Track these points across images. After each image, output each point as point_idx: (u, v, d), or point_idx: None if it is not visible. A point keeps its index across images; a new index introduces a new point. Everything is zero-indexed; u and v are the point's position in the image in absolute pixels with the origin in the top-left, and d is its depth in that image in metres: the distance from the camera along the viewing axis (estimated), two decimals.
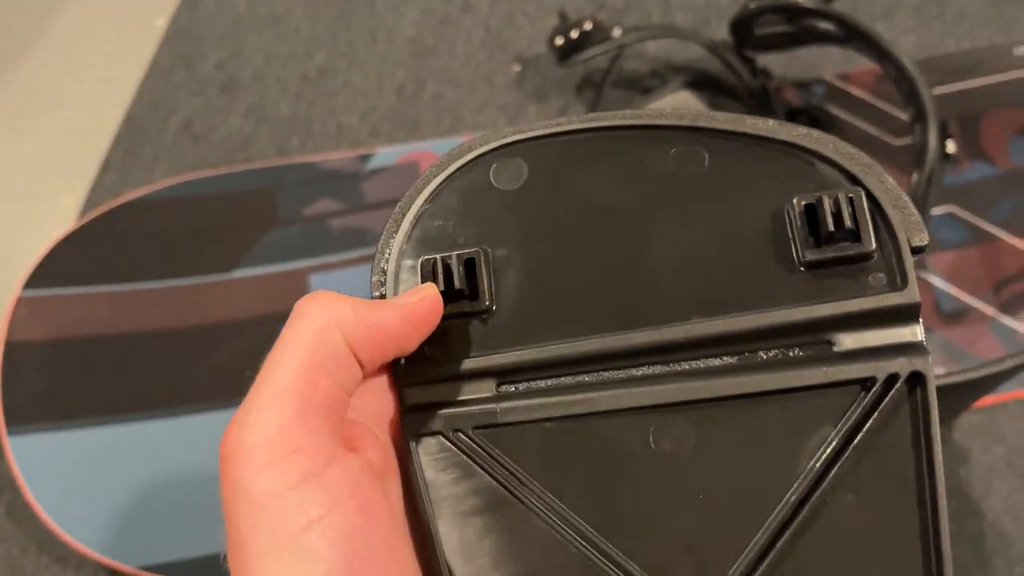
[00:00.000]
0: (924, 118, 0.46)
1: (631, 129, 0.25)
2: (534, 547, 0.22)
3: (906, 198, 0.24)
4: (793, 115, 0.60)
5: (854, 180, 0.24)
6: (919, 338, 0.23)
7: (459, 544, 0.22)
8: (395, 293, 0.25)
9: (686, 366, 0.23)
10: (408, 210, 0.25)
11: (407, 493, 0.24)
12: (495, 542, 0.22)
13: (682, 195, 0.24)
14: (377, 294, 0.25)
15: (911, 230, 0.24)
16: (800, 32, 0.52)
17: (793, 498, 0.22)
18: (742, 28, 0.55)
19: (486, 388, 0.24)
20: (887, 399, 0.22)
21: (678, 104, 0.58)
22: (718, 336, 0.23)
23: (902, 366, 0.22)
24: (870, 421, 0.22)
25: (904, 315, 0.23)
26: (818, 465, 0.22)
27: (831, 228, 0.23)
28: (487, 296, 0.24)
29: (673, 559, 0.21)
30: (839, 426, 0.22)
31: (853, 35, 0.49)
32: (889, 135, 0.59)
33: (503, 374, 0.24)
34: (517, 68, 0.63)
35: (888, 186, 0.23)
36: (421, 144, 0.61)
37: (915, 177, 0.47)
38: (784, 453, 0.22)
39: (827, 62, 0.61)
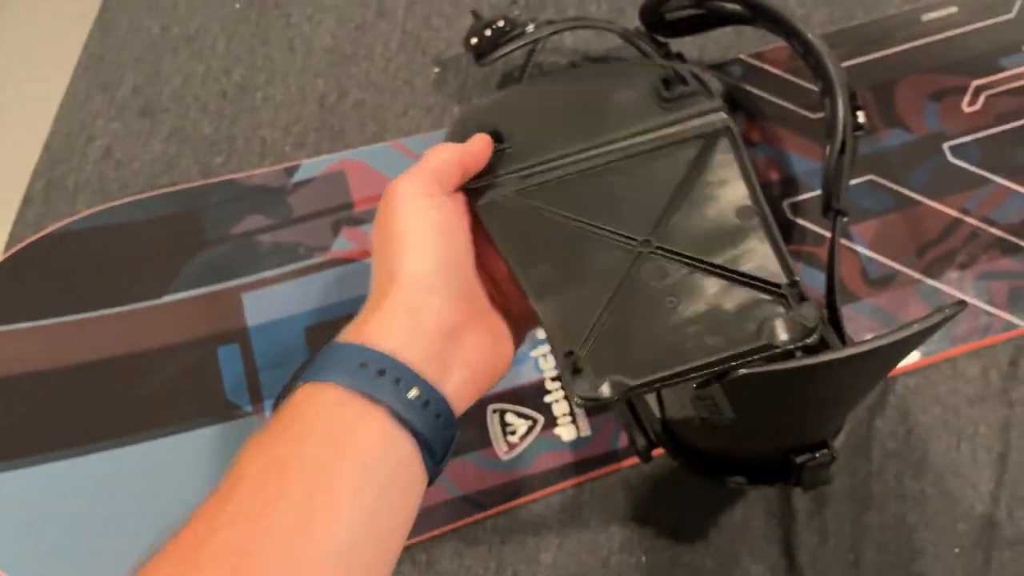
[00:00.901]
0: (832, 91, 0.47)
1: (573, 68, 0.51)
2: (551, 229, 0.41)
3: (702, 74, 0.45)
4: None
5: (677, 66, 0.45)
6: (725, 117, 0.43)
7: (512, 239, 0.41)
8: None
9: (618, 146, 0.43)
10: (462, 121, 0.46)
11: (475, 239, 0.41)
12: (530, 233, 0.41)
13: (606, 89, 0.45)
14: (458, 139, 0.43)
15: (711, 83, 0.45)
16: (708, 15, 0.53)
17: (681, 180, 0.41)
18: (651, 14, 0.56)
19: (514, 179, 0.43)
20: (716, 137, 0.42)
21: None
22: (629, 132, 0.43)
23: (720, 124, 0.43)
24: (711, 146, 0.42)
25: (716, 110, 0.43)
26: (690, 166, 0.42)
27: (676, 83, 0.44)
28: (508, 143, 0.44)
29: (626, 220, 0.41)
30: (697, 151, 0.42)
31: (758, 14, 0.50)
32: (806, 109, 0.60)
33: (522, 171, 0.43)
34: (437, 70, 0.63)
35: (695, 69, 0.45)
36: (346, 153, 0.60)
37: (827, 150, 0.47)
38: (673, 168, 0.42)
39: (742, 42, 0.62)
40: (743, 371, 0.32)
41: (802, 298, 0.36)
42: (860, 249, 0.56)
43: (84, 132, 0.63)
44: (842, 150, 0.47)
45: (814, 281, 0.55)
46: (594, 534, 0.52)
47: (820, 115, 0.59)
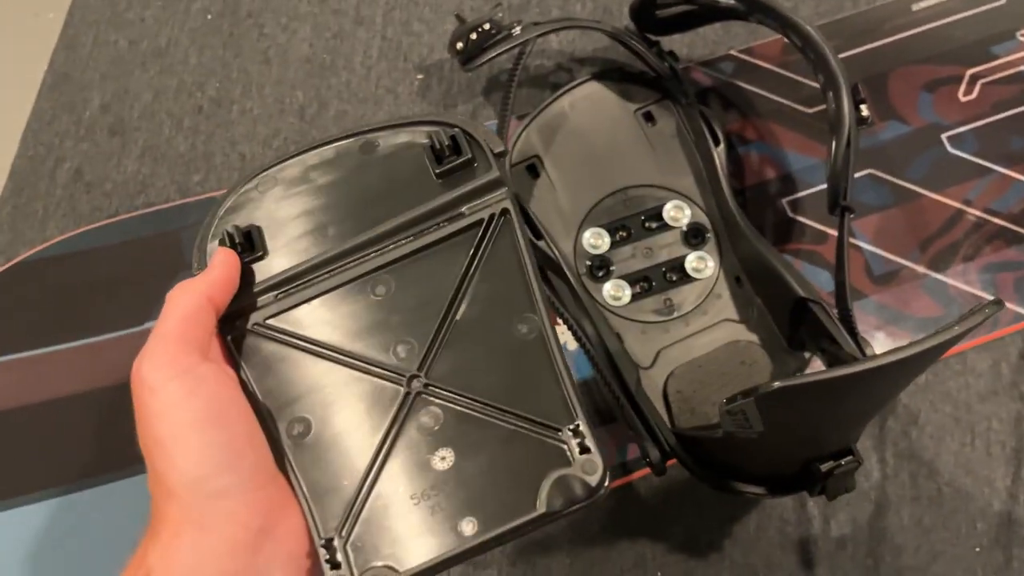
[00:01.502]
0: (835, 85, 0.46)
1: (329, 141, 0.42)
2: (310, 370, 0.37)
3: (484, 127, 0.41)
4: (704, 94, 0.59)
5: (454, 126, 0.41)
6: (506, 195, 0.39)
7: (266, 386, 0.37)
8: (206, 265, 0.39)
9: (383, 248, 0.39)
10: (213, 220, 0.41)
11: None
12: (287, 376, 0.37)
13: (369, 165, 0.41)
14: (194, 269, 0.39)
15: (492, 143, 0.40)
16: (701, 11, 0.52)
17: (452, 292, 0.37)
18: (643, 12, 0.54)
19: (270, 298, 0.39)
20: (493, 227, 0.39)
21: (591, 94, 0.57)
22: (396, 227, 0.39)
23: (496, 208, 0.39)
24: (487, 240, 0.38)
25: (495, 185, 0.39)
26: (463, 271, 0.38)
27: (447, 153, 0.40)
28: (262, 249, 0.40)
29: (393, 347, 0.37)
30: (472, 248, 0.38)
31: (753, 8, 0.48)
32: (801, 104, 0.58)
33: (278, 287, 0.39)
34: (420, 76, 0.61)
35: (478, 124, 0.41)
36: None
37: (833, 145, 0.46)
38: (445, 273, 0.38)
39: (730, 38, 0.61)
40: (776, 385, 0.30)
41: (585, 448, 0.33)
42: (863, 245, 0.55)
43: (52, 154, 0.60)
44: (847, 145, 0.46)
45: (818, 279, 0.54)
46: (606, 551, 0.50)
47: (815, 109, 0.58)
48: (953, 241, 0.55)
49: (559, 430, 0.34)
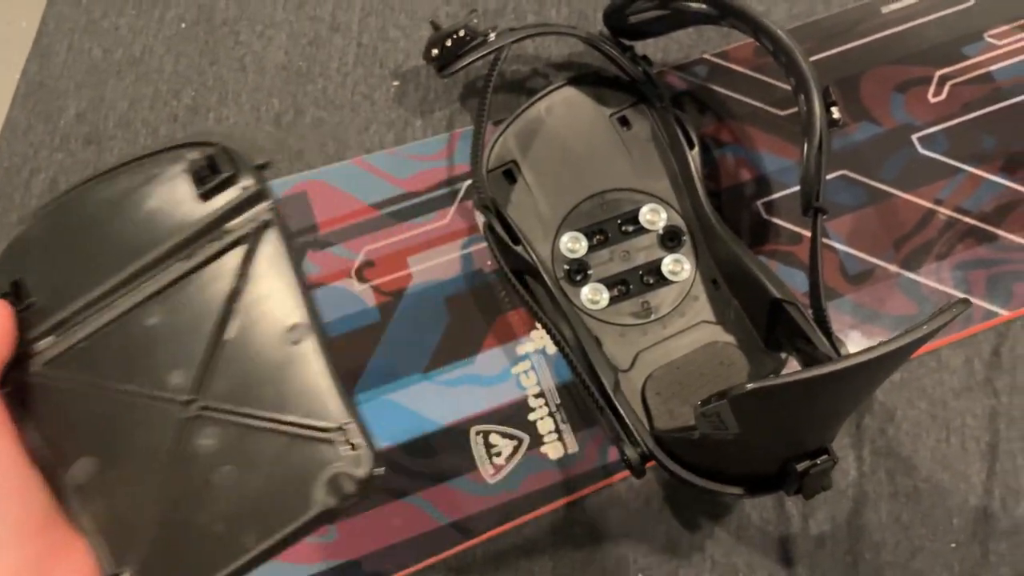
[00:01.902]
0: (807, 88, 0.46)
1: (89, 180, 0.42)
2: (90, 410, 0.37)
3: (245, 140, 0.42)
4: (679, 97, 0.59)
5: (212, 144, 0.40)
6: (269, 205, 0.39)
7: (47, 434, 0.37)
8: None
9: (152, 277, 0.38)
10: None
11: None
12: (67, 420, 0.37)
13: (134, 196, 0.40)
14: None
15: (253, 154, 0.40)
16: (673, 15, 0.52)
17: (221, 311, 0.37)
18: (616, 18, 0.55)
19: (44, 344, 0.38)
20: (258, 239, 0.38)
21: (567, 99, 0.57)
22: (163, 254, 0.38)
23: (260, 220, 0.38)
24: (253, 253, 0.38)
25: (258, 197, 0.39)
26: (231, 288, 0.37)
27: (205, 173, 0.39)
28: (31, 297, 0.39)
29: (167, 374, 0.36)
30: (238, 264, 0.38)
31: (725, 12, 0.49)
32: (774, 107, 0.59)
33: (50, 332, 0.38)
34: (396, 83, 0.61)
35: (236, 136, 0.40)
36: (307, 173, 0.58)
37: (805, 148, 0.47)
38: (213, 293, 0.37)
39: (704, 42, 0.61)
40: (749, 387, 0.30)
41: (352, 444, 0.34)
42: (838, 245, 0.56)
43: (27, 165, 0.60)
44: (819, 147, 0.46)
45: (793, 280, 0.54)
46: (588, 554, 0.51)
47: (788, 112, 0.59)
48: (926, 240, 0.55)
49: (330, 430, 0.35)
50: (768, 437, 0.38)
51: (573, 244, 0.54)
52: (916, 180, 0.57)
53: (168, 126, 0.60)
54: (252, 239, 0.38)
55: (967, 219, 0.56)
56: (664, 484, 0.52)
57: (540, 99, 0.57)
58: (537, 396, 0.53)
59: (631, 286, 0.54)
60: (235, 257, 0.38)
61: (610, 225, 0.55)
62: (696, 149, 0.54)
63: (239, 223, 0.38)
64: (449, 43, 0.54)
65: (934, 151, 0.57)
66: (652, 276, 0.54)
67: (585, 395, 0.49)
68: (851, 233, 0.56)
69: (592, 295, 0.53)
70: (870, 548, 0.50)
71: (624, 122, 0.57)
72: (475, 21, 0.54)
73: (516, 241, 0.51)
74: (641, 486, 0.52)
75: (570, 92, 0.57)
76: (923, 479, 0.51)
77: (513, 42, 0.54)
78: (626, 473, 0.51)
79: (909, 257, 0.55)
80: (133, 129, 0.60)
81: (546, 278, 0.51)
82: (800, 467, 0.39)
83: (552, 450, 0.52)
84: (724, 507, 0.51)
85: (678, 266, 0.54)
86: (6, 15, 0.65)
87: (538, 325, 0.54)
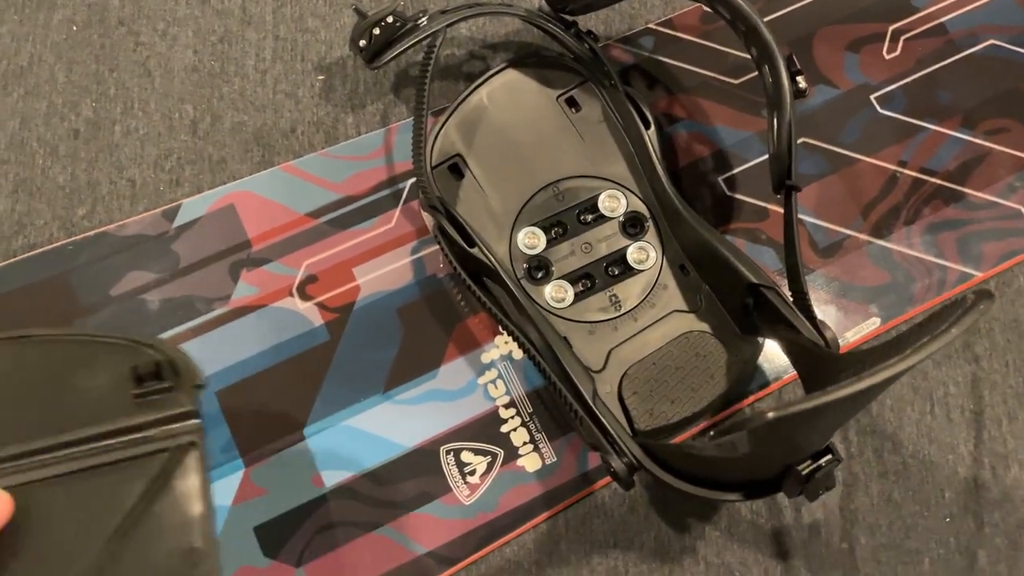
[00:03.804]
0: (771, 59, 0.43)
1: (23, 338, 0.40)
2: None
3: (188, 359, 0.39)
4: (626, 72, 0.56)
5: (162, 352, 0.39)
6: (197, 425, 0.38)
7: None
8: None
9: (60, 457, 0.37)
10: None
11: None
12: None
13: (61, 369, 0.39)
14: None
15: (192, 375, 0.39)
16: None
17: (118, 523, 0.36)
18: None
19: None
20: (178, 456, 0.38)
21: (509, 83, 0.53)
22: (80, 439, 0.37)
23: (186, 439, 0.38)
24: (170, 468, 0.37)
25: (188, 416, 0.38)
26: (142, 494, 0.36)
27: (146, 377, 0.39)
28: None
29: (58, 563, 0.34)
30: (152, 475, 0.37)
31: None
32: (727, 75, 0.56)
33: None
34: (321, 78, 0.56)
35: (181, 355, 0.39)
36: (233, 185, 0.53)
37: (775, 123, 0.44)
38: (121, 493, 0.36)
39: (647, 10, 0.58)
40: (772, 416, 0.27)
41: None
42: (805, 218, 0.53)
43: None
44: (789, 121, 0.43)
45: (762, 258, 0.52)
46: (576, 569, 0.48)
47: (742, 80, 0.56)
48: (894, 204, 0.53)
49: None
50: (775, 451, 0.35)
51: (530, 240, 0.51)
52: (878, 142, 0.55)
53: (69, 143, 0.54)
54: (173, 454, 0.38)
55: (933, 179, 0.54)
56: (648, 487, 0.49)
57: (480, 85, 0.53)
58: (508, 406, 0.49)
59: (596, 280, 0.50)
60: (152, 466, 0.37)
61: (568, 216, 0.51)
62: (652, 128, 0.51)
63: (163, 433, 0.38)
64: (377, 31, 0.49)
65: (893, 110, 0.55)
66: (617, 267, 0.51)
67: (561, 403, 0.46)
68: (817, 203, 0.53)
69: (556, 293, 0.50)
70: (865, 531, 0.49)
71: (572, 103, 0.53)
72: (401, 4, 0.50)
73: (471, 243, 0.47)
74: (623, 494, 0.49)
75: (512, 75, 0.53)
76: (911, 454, 0.50)
77: (447, 26, 0.50)
78: (607, 481, 0.49)
79: (878, 224, 0.53)
80: (28, 150, 0.54)
81: (505, 279, 0.47)
82: (804, 471, 0.37)
83: (529, 462, 0.49)
84: (712, 506, 0.49)
85: (643, 254, 0.51)
86: None
87: (502, 330, 0.50)
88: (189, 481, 0.37)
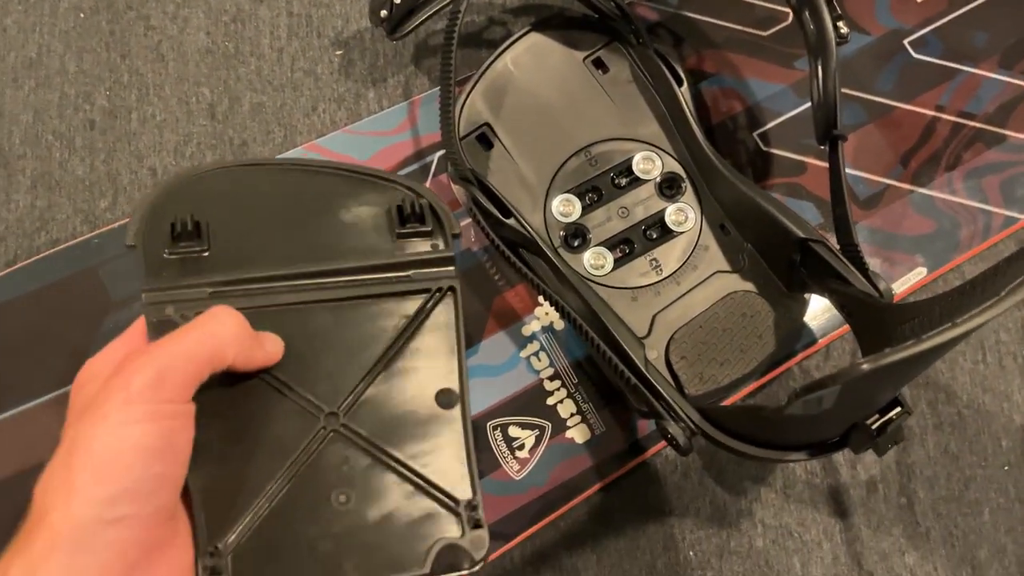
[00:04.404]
0: (814, 5, 0.42)
1: (301, 165, 0.43)
2: (230, 378, 0.35)
3: (448, 209, 0.42)
4: (653, 30, 0.54)
5: (420, 195, 0.42)
6: (454, 272, 0.41)
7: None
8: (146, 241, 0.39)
9: (331, 283, 0.39)
10: (148, 201, 0.40)
11: None
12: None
13: (332, 200, 0.41)
14: (130, 243, 0.39)
15: (452, 225, 0.41)
16: None
17: (386, 347, 0.38)
18: None
19: (203, 294, 0.38)
20: (438, 300, 0.40)
21: (533, 47, 0.51)
22: (347, 268, 0.40)
23: (445, 284, 0.40)
24: (429, 310, 0.40)
25: (447, 261, 0.41)
26: (401, 331, 0.39)
27: (411, 218, 0.41)
28: (206, 244, 0.39)
29: (320, 382, 0.37)
30: (414, 313, 0.39)
31: None
32: (756, 28, 0.54)
33: (214, 286, 0.38)
34: (340, 53, 0.54)
35: (437, 201, 0.42)
36: None
37: (820, 71, 0.42)
38: (384, 327, 0.39)
39: None
40: (866, 367, 0.26)
41: (477, 523, 0.36)
42: (845, 170, 0.52)
43: None
44: (834, 69, 0.42)
45: (806, 213, 0.51)
46: (632, 539, 0.47)
47: (771, 31, 0.54)
48: (933, 151, 0.52)
49: (457, 501, 0.36)
50: (852, 406, 0.34)
51: (565, 208, 0.49)
52: (914, 88, 0.53)
53: (85, 134, 0.52)
54: (432, 296, 0.40)
55: (972, 123, 0.53)
56: (700, 452, 0.48)
57: (504, 51, 0.51)
58: (552, 378, 0.48)
59: (635, 245, 0.49)
60: (411, 304, 0.39)
61: (602, 181, 0.50)
62: (685, 85, 0.50)
63: (422, 276, 0.40)
64: (397, 0, 0.48)
65: (928, 54, 0.54)
66: (656, 230, 0.49)
67: (610, 372, 0.44)
68: (856, 154, 0.52)
69: (595, 260, 0.49)
70: (923, 485, 0.48)
71: (599, 65, 0.52)
72: None
73: (506, 213, 0.46)
74: (677, 457, 0.48)
75: (536, 39, 0.52)
76: (965, 405, 0.49)
77: None
78: (659, 447, 0.48)
79: (919, 172, 0.52)
80: (44, 143, 0.52)
81: (544, 249, 0.46)
82: (874, 425, 0.36)
83: (578, 434, 0.48)
84: (767, 467, 0.48)
85: (681, 215, 0.49)
86: None
87: (542, 301, 0.49)
88: (444, 325, 0.39)
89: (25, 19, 0.55)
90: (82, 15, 0.55)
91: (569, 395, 0.48)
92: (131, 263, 0.49)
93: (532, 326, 0.49)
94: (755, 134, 0.53)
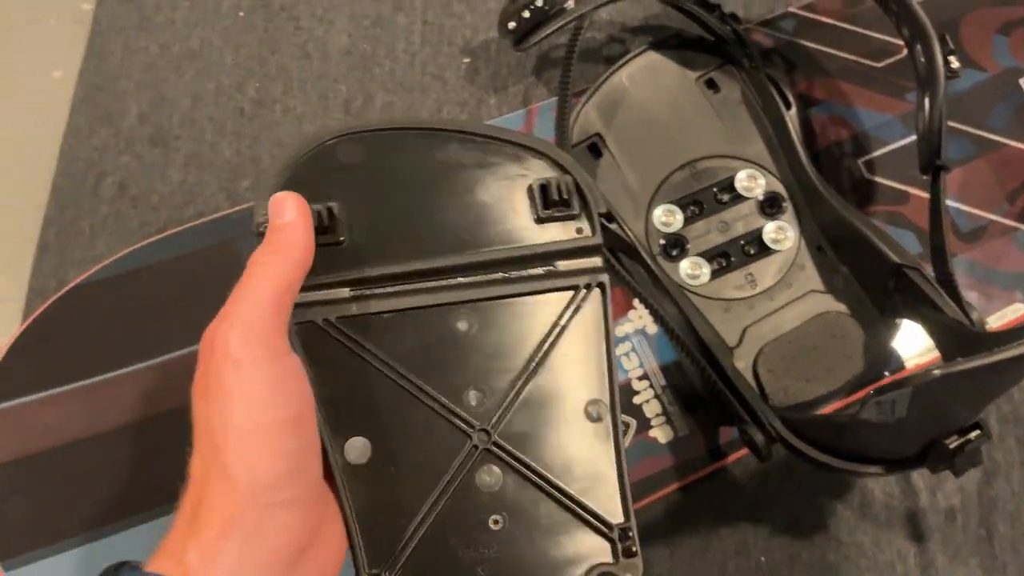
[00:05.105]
0: (926, 38, 0.43)
1: (434, 130, 0.38)
2: (376, 390, 0.34)
3: (594, 185, 0.38)
4: (766, 55, 0.56)
5: (567, 172, 0.38)
6: (602, 264, 0.37)
7: (327, 394, 0.34)
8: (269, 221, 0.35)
9: (472, 279, 0.36)
10: (278, 174, 0.36)
11: None
12: (350, 389, 0.34)
13: (468, 174, 0.37)
14: (260, 230, 0.35)
15: (599, 203, 0.38)
16: None
17: (534, 353, 0.35)
18: None
19: (343, 294, 0.35)
20: (585, 297, 0.36)
21: (649, 64, 0.54)
22: (489, 261, 0.36)
23: (593, 279, 0.36)
24: (576, 309, 0.36)
25: (594, 251, 0.37)
26: (548, 334, 0.36)
27: (555, 198, 0.37)
28: (341, 233, 0.35)
29: (465, 391, 0.35)
30: (561, 313, 0.36)
31: None
32: (869, 59, 0.56)
33: (353, 284, 0.35)
34: (467, 60, 0.58)
35: (587, 177, 0.38)
36: None
37: (926, 102, 0.44)
38: (529, 329, 0.36)
39: None
40: (938, 372, 0.28)
41: (631, 552, 0.33)
42: (948, 202, 0.52)
43: (93, 170, 0.58)
44: (941, 101, 0.43)
45: (903, 243, 0.52)
46: (706, 540, 0.49)
47: (885, 63, 0.56)
48: None
49: (611, 527, 0.34)
50: (929, 418, 0.35)
51: (667, 217, 0.52)
52: None
53: (235, 120, 0.58)
54: (580, 292, 0.36)
55: None
56: (779, 463, 0.49)
57: (621, 67, 0.54)
58: (641, 378, 0.51)
59: (732, 258, 0.51)
60: (557, 302, 0.36)
61: (705, 195, 0.52)
62: (793, 109, 0.52)
63: (568, 267, 0.36)
64: (526, 14, 0.51)
65: None
66: (754, 246, 0.51)
67: (697, 376, 0.47)
68: (961, 188, 0.53)
69: (691, 270, 0.51)
70: (1004, 519, 0.48)
71: (711, 85, 0.54)
72: None
73: (610, 219, 0.49)
74: (756, 466, 0.49)
75: (652, 57, 0.55)
76: None
77: (595, 8, 0.51)
78: (740, 454, 0.49)
79: None
80: (199, 127, 0.58)
81: (643, 255, 0.48)
82: (952, 444, 0.37)
83: (661, 434, 0.50)
84: (845, 484, 0.49)
85: (781, 234, 0.51)
86: (55, 10, 0.63)
87: (636, 304, 0.52)
88: (592, 326, 0.35)
89: (191, 14, 0.61)
90: (241, 13, 0.61)
91: (655, 396, 0.50)
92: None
93: (625, 327, 0.52)
94: (860, 161, 0.54)
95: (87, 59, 0.61)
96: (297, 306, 0.34)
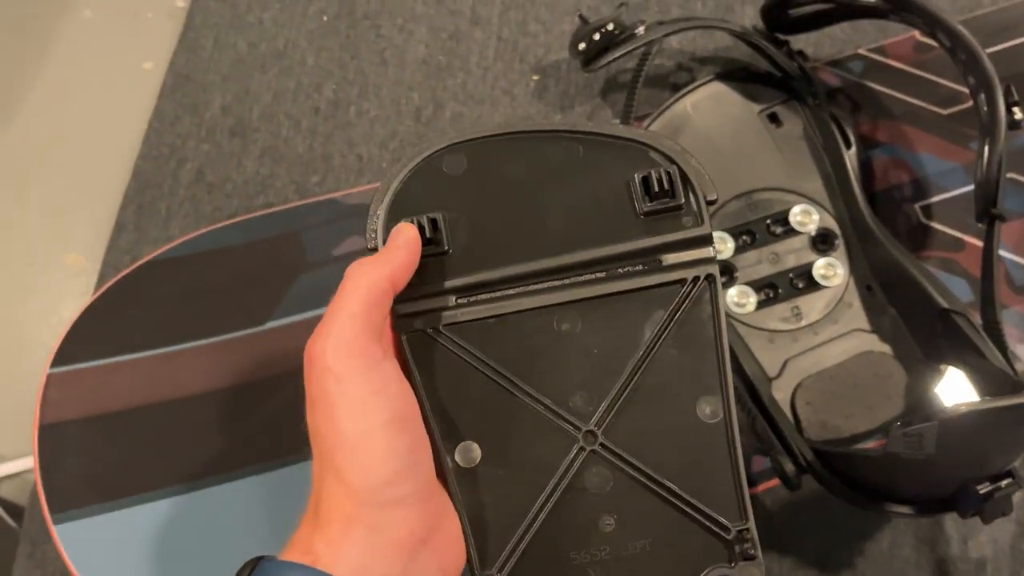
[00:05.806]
0: (989, 87, 0.43)
1: (532, 133, 0.37)
2: (484, 394, 0.34)
3: (702, 170, 0.35)
4: (831, 94, 0.57)
5: (671, 160, 0.36)
6: (712, 255, 0.35)
7: (437, 399, 0.34)
8: (383, 243, 0.35)
9: (575, 279, 0.35)
10: (387, 190, 0.36)
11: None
12: (458, 394, 0.35)
13: (568, 174, 0.36)
14: (371, 246, 0.35)
15: (706, 189, 0.35)
16: (837, 9, 0.50)
17: (641, 351, 0.34)
18: (775, 11, 0.53)
19: (449, 302, 0.35)
20: (694, 291, 0.35)
21: (714, 94, 0.55)
22: (591, 260, 0.35)
23: (702, 271, 0.35)
24: (685, 304, 0.35)
25: (702, 241, 0.35)
26: (656, 331, 0.34)
27: (657, 190, 0.35)
28: (445, 243, 0.35)
29: (571, 393, 0.34)
30: (668, 308, 0.35)
31: (897, 6, 0.46)
32: (936, 105, 0.56)
33: (458, 292, 0.35)
34: (536, 78, 0.60)
35: (693, 163, 0.35)
36: None
37: (986, 150, 0.44)
38: (635, 326, 0.35)
39: (859, 36, 0.58)
40: (964, 408, 0.28)
41: (749, 555, 0.32)
42: (1004, 254, 0.52)
43: (174, 155, 0.61)
44: (1001, 150, 0.44)
45: (954, 289, 0.52)
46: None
47: (951, 111, 0.56)
48: None
49: (728, 528, 0.33)
50: (959, 459, 0.36)
51: (719, 245, 0.53)
52: None
53: (310, 119, 0.61)
54: (689, 287, 0.34)
55: None
56: (811, 496, 0.50)
57: (686, 94, 0.56)
58: None
59: (780, 290, 0.52)
60: (666, 299, 0.35)
61: (758, 226, 0.53)
62: (853, 148, 0.52)
63: (675, 260, 0.35)
64: (596, 37, 0.53)
65: None
66: (802, 280, 0.52)
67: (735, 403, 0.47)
68: (1019, 240, 0.53)
69: (739, 298, 0.52)
70: None
71: (774, 119, 0.55)
72: (620, 13, 0.53)
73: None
74: (786, 497, 0.50)
75: (718, 87, 0.56)
76: None
77: (665, 36, 0.53)
78: (771, 484, 0.50)
79: None
80: (276, 121, 0.61)
81: None
82: (983, 490, 0.37)
83: None
84: (876, 523, 0.49)
85: (831, 270, 0.52)
86: (151, 6, 0.67)
87: None
88: (703, 321, 0.34)
89: (280, 16, 0.64)
90: (325, 18, 0.64)
91: None
92: (328, 232, 0.56)
93: None
94: (917, 206, 0.54)
95: (179, 51, 0.64)
96: (406, 316, 0.35)
